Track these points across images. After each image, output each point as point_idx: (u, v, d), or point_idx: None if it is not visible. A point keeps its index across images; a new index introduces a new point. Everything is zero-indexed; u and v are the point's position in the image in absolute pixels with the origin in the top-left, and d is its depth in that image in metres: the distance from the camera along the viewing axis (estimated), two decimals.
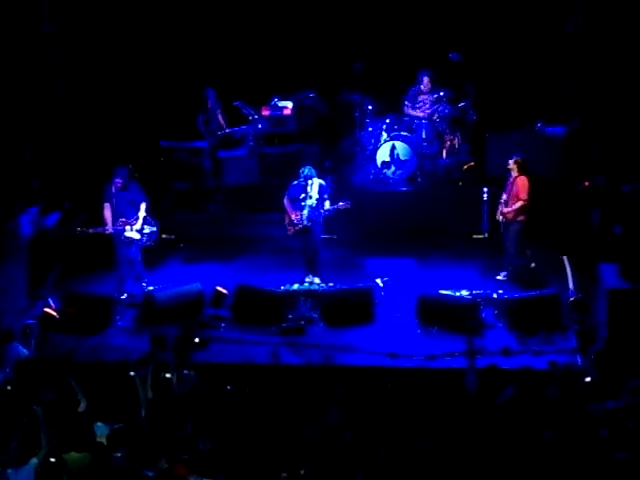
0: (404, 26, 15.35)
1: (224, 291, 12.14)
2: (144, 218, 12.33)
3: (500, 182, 12.62)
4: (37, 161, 14.19)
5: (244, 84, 15.23)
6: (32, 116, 14.11)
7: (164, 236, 12.95)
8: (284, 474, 7.03)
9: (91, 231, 12.16)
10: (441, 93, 14.72)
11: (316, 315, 11.88)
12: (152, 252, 12.73)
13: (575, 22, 14.60)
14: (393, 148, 14.30)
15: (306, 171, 12.21)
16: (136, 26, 15.06)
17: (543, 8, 14.83)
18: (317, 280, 12.40)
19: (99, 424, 8.02)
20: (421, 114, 14.75)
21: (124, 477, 7.09)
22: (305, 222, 12.24)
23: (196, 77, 15.35)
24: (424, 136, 14.70)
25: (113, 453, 7.33)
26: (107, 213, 12.23)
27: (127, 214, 12.26)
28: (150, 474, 7.00)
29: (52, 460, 7.12)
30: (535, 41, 14.87)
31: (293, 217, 12.30)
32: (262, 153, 14.96)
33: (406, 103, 14.85)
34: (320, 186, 12.26)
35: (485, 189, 12.58)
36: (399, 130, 14.44)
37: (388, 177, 14.42)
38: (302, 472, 7.04)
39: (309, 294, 12.21)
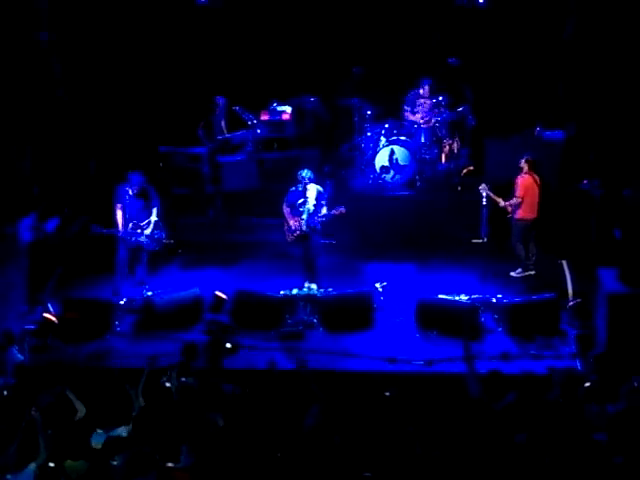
0: (403, 31, 15.35)
1: (223, 296, 12.13)
2: (155, 223, 12.37)
3: (499, 186, 12.69)
4: (36, 166, 14.18)
5: (242, 89, 15.23)
6: (31, 121, 14.10)
7: (164, 241, 12.94)
8: None
9: (105, 231, 12.16)
10: (440, 98, 14.76)
11: (315, 320, 11.88)
12: (151, 257, 12.73)
13: (571, 28, 14.61)
14: (392, 153, 14.32)
15: (304, 173, 12.16)
16: (135, 31, 15.05)
17: (540, 14, 14.84)
18: (314, 287, 12.39)
19: (99, 431, 8.00)
20: (420, 118, 14.77)
21: None
22: (304, 228, 12.24)
23: (195, 82, 15.36)
24: (423, 141, 14.73)
25: (111, 460, 7.30)
26: (118, 214, 12.25)
27: (139, 219, 12.30)
28: None
29: (51, 465, 7.10)
30: (533, 46, 14.88)
31: (292, 224, 12.28)
32: (261, 158, 14.97)
33: (405, 107, 14.88)
34: (318, 192, 12.25)
35: (483, 185, 12.64)
36: (398, 135, 14.46)
37: (387, 182, 14.43)
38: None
39: (308, 299, 12.20)
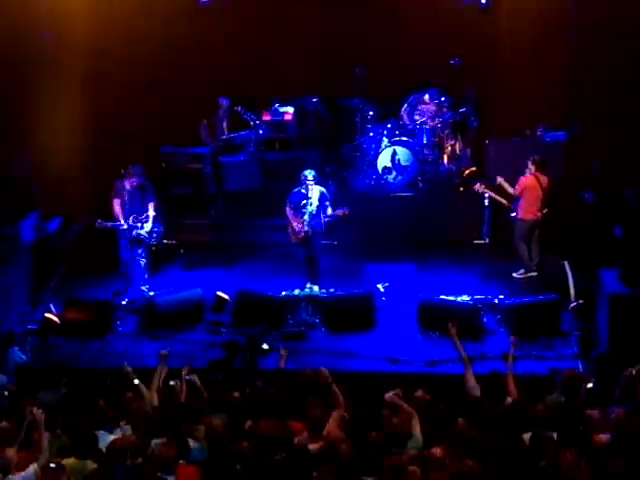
0: (405, 32, 15.33)
1: (225, 296, 12.14)
2: (154, 217, 12.39)
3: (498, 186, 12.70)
4: (37, 166, 14.20)
5: (245, 89, 15.21)
6: (31, 120, 14.13)
7: (165, 241, 12.95)
8: None
9: (109, 225, 12.17)
10: (442, 99, 14.77)
11: (317, 320, 11.89)
12: (153, 257, 12.74)
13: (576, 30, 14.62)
14: (394, 153, 14.30)
15: (307, 174, 12.13)
16: (137, 30, 15.04)
17: (543, 15, 14.81)
18: (316, 288, 12.39)
19: (101, 431, 8.00)
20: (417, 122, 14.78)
21: None
22: (307, 229, 12.22)
23: (197, 83, 15.35)
24: (425, 141, 14.71)
25: (116, 462, 7.29)
26: (117, 209, 12.27)
27: (139, 212, 12.32)
28: None
29: (52, 466, 7.11)
30: (534, 46, 14.87)
31: (295, 225, 12.27)
32: (263, 158, 14.96)
33: (405, 108, 14.88)
34: (321, 193, 12.24)
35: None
36: (400, 135, 14.44)
37: (389, 182, 14.42)
38: None
39: (310, 300, 12.21)
